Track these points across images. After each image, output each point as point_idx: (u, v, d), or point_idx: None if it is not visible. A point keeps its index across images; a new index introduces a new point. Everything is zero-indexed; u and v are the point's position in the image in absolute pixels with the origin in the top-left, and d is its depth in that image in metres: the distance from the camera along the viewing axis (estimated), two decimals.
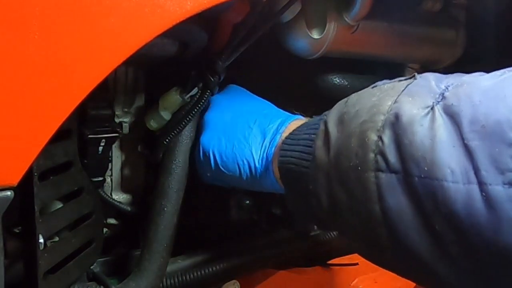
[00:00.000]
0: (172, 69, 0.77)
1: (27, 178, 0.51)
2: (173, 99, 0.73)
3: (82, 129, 0.70)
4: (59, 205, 0.67)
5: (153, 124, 0.75)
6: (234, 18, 0.71)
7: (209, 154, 0.74)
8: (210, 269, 0.79)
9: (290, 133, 0.66)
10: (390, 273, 0.54)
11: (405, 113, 0.49)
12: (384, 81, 0.59)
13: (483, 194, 0.42)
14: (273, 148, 0.68)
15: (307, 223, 0.92)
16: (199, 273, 0.79)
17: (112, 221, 0.83)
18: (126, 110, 0.79)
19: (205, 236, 0.90)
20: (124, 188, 0.83)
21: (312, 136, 0.59)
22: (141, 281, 0.73)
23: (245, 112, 0.74)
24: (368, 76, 0.93)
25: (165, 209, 0.74)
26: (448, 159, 0.44)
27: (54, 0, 0.46)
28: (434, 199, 0.44)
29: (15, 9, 0.44)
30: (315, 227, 0.94)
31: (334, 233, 0.95)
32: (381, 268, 0.55)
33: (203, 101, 0.72)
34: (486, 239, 0.42)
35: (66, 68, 0.47)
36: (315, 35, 0.78)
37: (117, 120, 0.78)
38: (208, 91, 0.72)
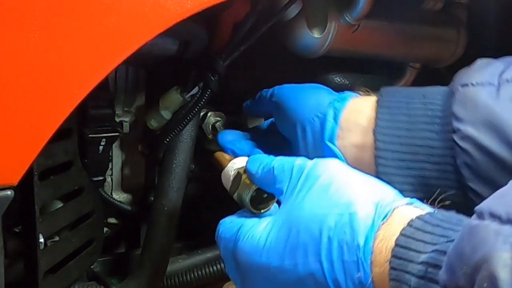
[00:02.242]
0: (172, 68, 0.77)
1: (27, 177, 0.51)
2: (174, 98, 0.73)
3: (82, 129, 0.70)
4: (59, 204, 0.67)
5: (153, 123, 0.75)
6: (235, 17, 0.70)
7: None
8: (211, 269, 0.79)
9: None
10: None
11: None
12: None
13: None
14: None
15: None
16: (199, 273, 0.79)
17: (112, 220, 0.83)
18: (126, 109, 0.79)
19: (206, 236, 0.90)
20: (124, 188, 0.83)
21: None
22: (141, 281, 0.72)
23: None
24: (369, 75, 0.93)
25: (166, 208, 0.74)
26: None
27: None
28: None
29: (15, 8, 0.44)
30: None
31: None
32: None
33: (203, 100, 0.72)
34: None
35: (67, 67, 0.47)
36: (316, 34, 0.77)
37: (117, 120, 0.78)
38: (209, 90, 0.72)
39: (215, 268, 0.80)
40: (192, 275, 0.79)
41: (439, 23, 0.92)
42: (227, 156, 0.66)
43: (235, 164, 0.60)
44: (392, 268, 0.40)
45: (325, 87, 0.72)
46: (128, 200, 0.83)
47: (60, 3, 0.46)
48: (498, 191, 0.36)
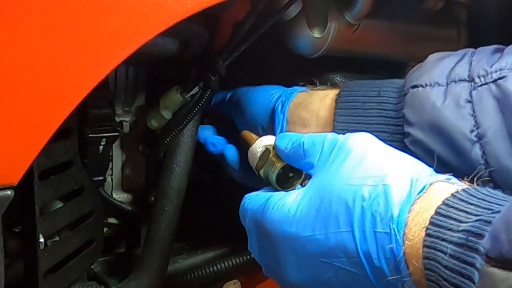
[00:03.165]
0: (172, 68, 0.77)
1: (28, 177, 0.51)
2: (174, 98, 0.73)
3: (82, 128, 0.70)
4: (59, 204, 0.67)
5: (154, 123, 0.75)
6: (235, 17, 0.70)
7: None
8: (211, 269, 0.79)
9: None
10: None
11: None
12: None
13: None
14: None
15: None
16: (200, 272, 0.79)
17: (112, 220, 0.83)
18: (126, 109, 0.79)
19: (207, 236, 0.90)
20: (124, 188, 0.83)
21: None
22: (141, 281, 0.72)
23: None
24: (369, 75, 0.92)
25: (166, 208, 0.74)
26: None
27: None
28: None
29: (15, 7, 0.44)
30: None
31: None
32: None
33: (203, 100, 0.72)
34: None
35: (67, 67, 0.47)
36: (316, 34, 0.77)
37: (117, 119, 0.78)
38: (209, 90, 0.72)
39: (216, 267, 0.80)
40: (193, 274, 0.79)
41: (440, 22, 0.91)
42: (254, 135, 0.67)
43: (263, 142, 0.62)
44: (427, 235, 0.38)
45: (277, 86, 0.77)
46: (128, 200, 0.83)
47: (60, 2, 0.46)
48: None
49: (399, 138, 0.60)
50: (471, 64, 0.57)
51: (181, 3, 0.50)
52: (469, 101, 0.54)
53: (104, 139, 0.73)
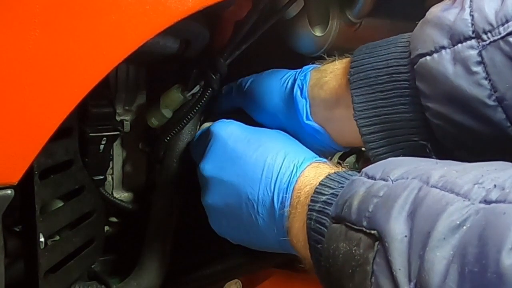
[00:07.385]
0: (173, 67, 0.77)
1: (28, 176, 0.51)
2: (175, 97, 0.73)
3: (83, 127, 0.70)
4: (59, 203, 0.67)
5: (154, 122, 0.75)
6: (236, 16, 0.70)
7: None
8: (212, 268, 0.79)
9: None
10: None
11: None
12: None
13: None
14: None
15: None
16: (201, 272, 0.79)
17: (113, 219, 0.83)
18: (127, 108, 0.79)
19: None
20: (125, 186, 0.83)
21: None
22: (142, 280, 0.72)
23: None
24: None
25: (166, 207, 0.74)
26: None
27: None
28: None
29: (15, 6, 0.44)
30: None
31: None
32: None
33: (204, 99, 0.72)
34: None
35: (67, 66, 0.46)
36: (318, 32, 0.77)
37: (118, 118, 0.78)
38: (210, 89, 0.72)
39: (217, 267, 0.79)
40: (194, 274, 0.79)
41: None
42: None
43: None
44: (309, 208, 0.54)
45: (284, 70, 0.75)
46: (129, 199, 0.83)
47: (61, 1, 0.46)
48: (378, 162, 0.50)
49: (418, 108, 0.57)
50: (472, 16, 0.53)
51: (182, 1, 0.50)
52: (480, 62, 0.51)
53: (104, 138, 0.73)
